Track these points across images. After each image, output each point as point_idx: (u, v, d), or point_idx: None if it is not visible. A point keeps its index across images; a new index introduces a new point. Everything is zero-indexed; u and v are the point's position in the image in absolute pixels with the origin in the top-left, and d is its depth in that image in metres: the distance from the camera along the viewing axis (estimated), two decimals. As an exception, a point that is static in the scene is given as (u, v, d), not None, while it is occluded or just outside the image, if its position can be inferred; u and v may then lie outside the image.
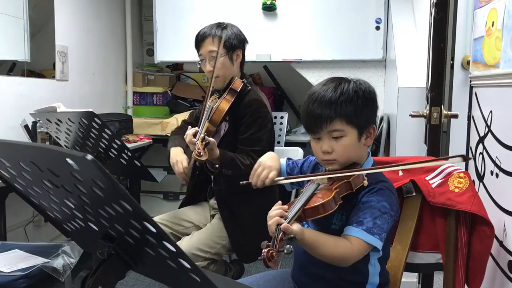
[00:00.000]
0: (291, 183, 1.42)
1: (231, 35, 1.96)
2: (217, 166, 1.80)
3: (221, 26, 1.97)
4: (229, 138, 1.96)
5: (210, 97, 1.96)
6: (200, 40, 1.97)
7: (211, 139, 1.74)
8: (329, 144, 1.21)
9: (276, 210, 1.10)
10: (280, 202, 1.14)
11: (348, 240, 1.14)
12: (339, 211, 1.21)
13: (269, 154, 1.39)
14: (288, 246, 1.01)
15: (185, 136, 1.81)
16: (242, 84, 1.94)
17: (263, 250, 0.99)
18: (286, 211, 1.10)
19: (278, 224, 1.04)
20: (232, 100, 1.90)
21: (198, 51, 2.01)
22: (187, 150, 1.93)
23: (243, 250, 1.94)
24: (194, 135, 1.76)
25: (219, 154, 1.79)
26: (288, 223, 1.05)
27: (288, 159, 1.47)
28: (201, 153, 1.66)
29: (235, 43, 1.96)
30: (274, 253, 0.99)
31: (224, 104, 1.88)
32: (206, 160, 1.71)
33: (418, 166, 1.37)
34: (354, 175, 1.18)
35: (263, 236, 1.07)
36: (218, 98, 1.93)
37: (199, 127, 1.81)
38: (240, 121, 1.93)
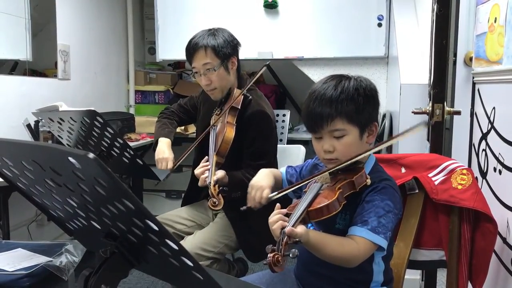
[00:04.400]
0: (294, 192, 1.41)
1: (223, 43, 1.85)
2: (226, 189, 1.71)
3: (211, 33, 1.87)
4: (235, 147, 1.85)
5: (213, 112, 1.91)
6: (191, 53, 1.86)
7: (220, 174, 1.67)
8: (330, 143, 1.20)
9: (275, 215, 1.09)
10: (278, 205, 1.13)
11: (353, 240, 1.13)
12: (343, 211, 1.20)
13: (260, 174, 1.38)
14: (293, 250, 0.99)
15: (195, 173, 1.71)
16: (243, 97, 1.85)
17: (268, 255, 0.97)
18: (290, 212, 1.09)
19: (282, 228, 1.03)
20: (235, 120, 1.80)
21: (190, 64, 1.90)
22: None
23: (252, 250, 1.92)
24: (206, 170, 1.67)
25: (228, 180, 1.73)
26: (293, 226, 1.03)
27: (288, 166, 1.46)
28: (216, 203, 1.58)
29: (229, 51, 1.86)
30: (279, 258, 0.97)
31: (230, 132, 1.76)
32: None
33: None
34: (357, 174, 1.17)
35: (271, 234, 1.06)
36: (219, 113, 1.85)
37: (203, 152, 1.74)
38: (243, 133, 1.85)
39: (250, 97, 1.88)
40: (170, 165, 1.88)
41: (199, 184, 1.69)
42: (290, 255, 0.98)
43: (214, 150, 1.74)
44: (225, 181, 1.71)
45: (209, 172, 1.66)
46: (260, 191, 1.30)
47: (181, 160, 1.88)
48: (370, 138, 1.24)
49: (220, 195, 1.60)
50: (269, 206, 1.25)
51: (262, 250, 1.01)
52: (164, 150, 1.92)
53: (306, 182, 1.23)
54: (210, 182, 1.61)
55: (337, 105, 1.17)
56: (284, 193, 1.30)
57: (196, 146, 1.93)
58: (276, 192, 1.30)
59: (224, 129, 1.77)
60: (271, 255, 0.97)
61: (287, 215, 1.09)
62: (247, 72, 2.13)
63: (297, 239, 1.02)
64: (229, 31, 1.95)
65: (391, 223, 1.16)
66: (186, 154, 1.86)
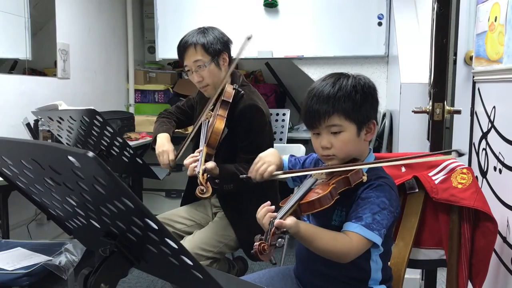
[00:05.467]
0: (293, 180, 1.43)
1: (213, 40, 1.87)
2: (217, 181, 1.77)
3: (201, 32, 1.90)
4: (229, 142, 1.91)
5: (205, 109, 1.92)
6: (182, 51, 1.89)
7: (210, 165, 1.70)
8: (328, 140, 1.21)
9: (262, 209, 1.11)
10: (269, 202, 1.14)
11: (347, 235, 1.13)
12: (338, 207, 1.21)
13: (269, 150, 1.41)
14: (280, 239, 1.02)
15: (185, 163, 1.75)
16: (234, 91, 1.87)
17: (255, 244, 1.00)
18: (283, 205, 1.11)
19: (272, 218, 1.06)
20: (225, 114, 1.82)
21: (182, 62, 1.94)
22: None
23: (251, 247, 1.92)
24: (195, 160, 1.71)
25: (219, 172, 1.76)
26: (282, 217, 1.05)
27: (291, 155, 1.47)
28: (204, 190, 1.62)
29: (219, 47, 1.88)
30: (265, 247, 1.00)
31: (219, 123, 1.80)
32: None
33: (418, 161, 1.36)
34: (352, 170, 1.17)
35: None
36: (212, 110, 1.86)
37: (198, 148, 1.77)
38: (237, 127, 1.88)
39: (242, 92, 1.90)
40: (171, 156, 1.88)
41: (188, 173, 1.72)
42: (277, 244, 1.01)
43: (205, 141, 1.78)
44: (215, 172, 1.74)
45: (198, 162, 1.70)
46: (267, 165, 1.33)
47: (182, 151, 1.90)
48: (368, 136, 1.25)
49: (208, 183, 1.64)
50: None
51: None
52: (164, 143, 1.93)
53: (313, 170, 1.25)
54: (199, 172, 1.65)
55: (335, 102, 1.18)
56: (289, 175, 1.33)
57: (193, 143, 1.95)
58: (281, 172, 1.33)
59: (214, 121, 1.80)
60: (257, 243, 1.00)
61: (280, 208, 1.11)
62: (246, 72, 2.13)
63: (285, 229, 1.04)
64: (220, 30, 1.96)
65: (386, 220, 1.16)
66: (185, 144, 1.90)
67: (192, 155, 1.77)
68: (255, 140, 1.88)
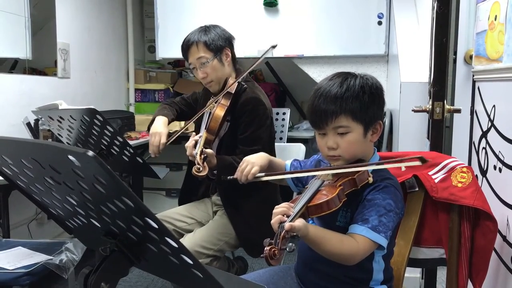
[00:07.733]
0: (295, 184, 1.42)
1: (215, 37, 1.92)
2: (215, 172, 1.78)
3: (203, 30, 1.94)
4: (230, 138, 1.94)
5: (208, 101, 1.94)
6: (185, 50, 1.95)
7: (209, 151, 1.72)
8: (334, 140, 1.20)
9: (281, 207, 1.09)
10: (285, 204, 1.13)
11: (353, 238, 1.13)
12: (343, 208, 1.20)
13: (257, 154, 1.42)
14: (290, 244, 1.00)
15: (186, 146, 1.77)
16: (237, 84, 1.91)
17: (265, 248, 0.98)
18: (292, 208, 1.10)
19: (281, 222, 1.04)
20: (227, 104, 1.87)
21: (187, 61, 1.99)
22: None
23: (251, 244, 1.93)
24: (195, 145, 1.73)
25: (217, 162, 1.77)
26: (291, 220, 1.04)
27: (294, 160, 1.46)
28: (201, 169, 1.64)
29: (221, 43, 1.93)
30: (276, 251, 0.98)
31: (219, 111, 1.85)
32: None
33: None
34: (358, 171, 1.17)
35: (270, 229, 1.07)
36: (215, 102, 1.90)
37: (197, 134, 1.79)
38: (238, 120, 1.91)
39: (245, 85, 1.94)
40: (163, 139, 1.87)
41: (187, 153, 1.74)
42: (287, 249, 1.00)
43: (205, 127, 1.83)
44: (213, 161, 1.76)
45: (197, 144, 1.73)
46: (251, 166, 1.36)
47: (175, 137, 1.89)
48: (374, 136, 1.24)
49: (205, 163, 1.67)
50: (266, 199, 1.26)
51: (261, 244, 1.01)
52: (159, 125, 1.93)
53: (304, 174, 1.26)
54: (196, 152, 1.68)
55: (342, 102, 1.17)
56: (271, 178, 1.35)
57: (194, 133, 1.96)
58: (263, 174, 1.35)
59: (215, 109, 1.86)
60: (268, 248, 0.98)
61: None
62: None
63: (295, 233, 1.03)
64: (222, 27, 2.00)
65: (392, 222, 1.16)
66: (181, 131, 1.90)
67: (192, 136, 1.79)
68: (254, 132, 1.90)
